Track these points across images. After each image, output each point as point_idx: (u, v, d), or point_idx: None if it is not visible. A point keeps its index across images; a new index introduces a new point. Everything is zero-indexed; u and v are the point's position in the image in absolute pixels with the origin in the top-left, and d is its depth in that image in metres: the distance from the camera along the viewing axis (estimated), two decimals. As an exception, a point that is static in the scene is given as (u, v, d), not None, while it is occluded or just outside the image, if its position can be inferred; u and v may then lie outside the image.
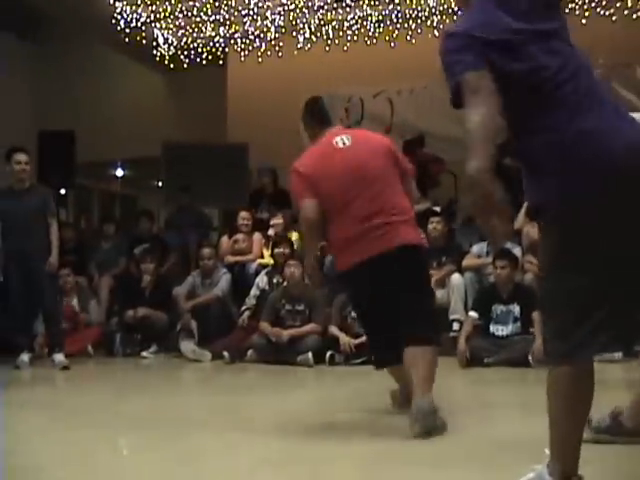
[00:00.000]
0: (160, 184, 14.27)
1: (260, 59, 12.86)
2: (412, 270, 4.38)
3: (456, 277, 7.97)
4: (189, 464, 3.50)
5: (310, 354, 7.29)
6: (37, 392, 6.50)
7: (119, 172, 17.56)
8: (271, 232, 9.32)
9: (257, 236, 9.34)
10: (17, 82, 13.97)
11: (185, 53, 12.99)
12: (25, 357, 7.62)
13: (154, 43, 12.78)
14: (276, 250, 8.48)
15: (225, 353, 7.73)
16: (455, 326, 7.76)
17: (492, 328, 7.19)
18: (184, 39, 12.82)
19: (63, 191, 12.23)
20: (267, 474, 3.33)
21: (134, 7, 11.91)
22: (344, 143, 4.52)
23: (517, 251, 7.82)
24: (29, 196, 7.58)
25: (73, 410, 5.18)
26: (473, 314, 7.32)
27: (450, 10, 11.89)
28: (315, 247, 4.86)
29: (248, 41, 12.92)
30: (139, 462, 3.59)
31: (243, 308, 8.30)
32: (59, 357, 7.45)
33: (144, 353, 8.48)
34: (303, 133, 4.92)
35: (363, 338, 7.37)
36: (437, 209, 9.44)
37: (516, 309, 7.14)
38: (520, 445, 3.51)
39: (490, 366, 6.88)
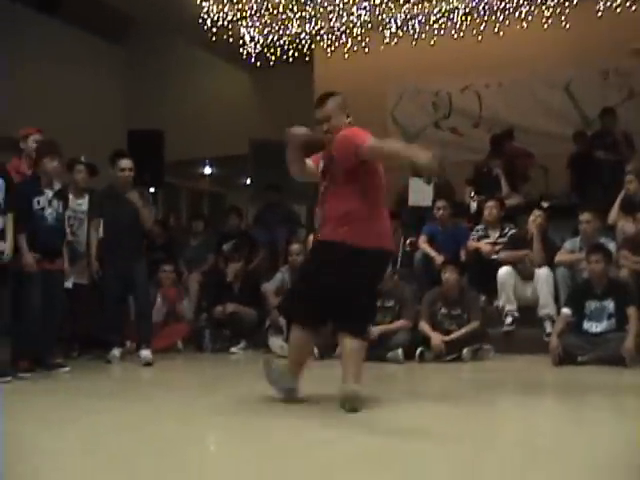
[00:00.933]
0: (248, 181, 14.37)
1: (346, 55, 12.83)
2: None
3: (544, 271, 7.80)
4: (279, 459, 3.48)
5: (400, 350, 7.24)
6: (126, 386, 6.59)
7: (207, 170, 17.74)
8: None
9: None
10: (108, 84, 14.26)
11: (271, 50, 13.04)
12: (116, 352, 7.73)
13: (240, 41, 12.87)
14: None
15: (314, 349, 7.70)
16: (548, 326, 7.59)
17: (585, 325, 7.03)
18: (270, 37, 12.87)
19: (152, 189, 12.39)
20: (357, 469, 3.27)
21: (220, 6, 12.00)
22: None
23: (612, 246, 7.63)
24: (126, 198, 7.72)
25: (161, 404, 5.22)
26: (566, 311, 7.14)
27: (539, 1, 11.69)
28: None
29: (334, 37, 12.90)
30: (228, 456, 3.58)
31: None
32: (145, 352, 7.53)
33: (233, 349, 8.54)
34: (339, 117, 4.95)
35: (453, 335, 7.33)
36: (545, 204, 9.22)
37: (610, 305, 6.96)
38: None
39: (584, 364, 6.71)
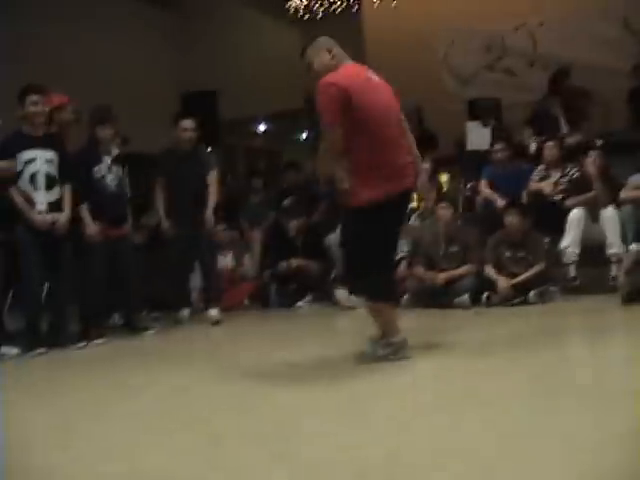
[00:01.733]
0: (304, 136, 14.34)
1: (394, 3, 12.66)
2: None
3: (609, 210, 7.66)
4: (355, 408, 3.52)
5: (467, 296, 7.23)
6: (198, 345, 6.69)
7: (262, 127, 17.74)
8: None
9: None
10: (158, 48, 14.29)
11: (319, 3, 12.94)
12: (185, 312, 7.85)
13: (288, -4, 12.80)
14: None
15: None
16: (614, 268, 7.47)
17: (655, 260, 6.91)
18: (317, -10, 12.78)
19: (209, 149, 12.45)
20: (431, 415, 3.30)
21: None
22: (374, 76, 4.75)
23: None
24: (192, 159, 7.76)
25: (232, 362, 5.29)
26: (635, 246, 7.02)
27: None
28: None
29: (382, -16, 12.74)
30: (298, 413, 3.62)
31: (399, 256, 8.23)
32: (213, 312, 7.62)
33: (299, 303, 8.60)
34: (318, 58, 4.91)
35: (519, 278, 7.28)
36: (599, 142, 9.07)
37: (676, 241, 6.84)
38: None
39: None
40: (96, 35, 12.50)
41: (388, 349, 4.64)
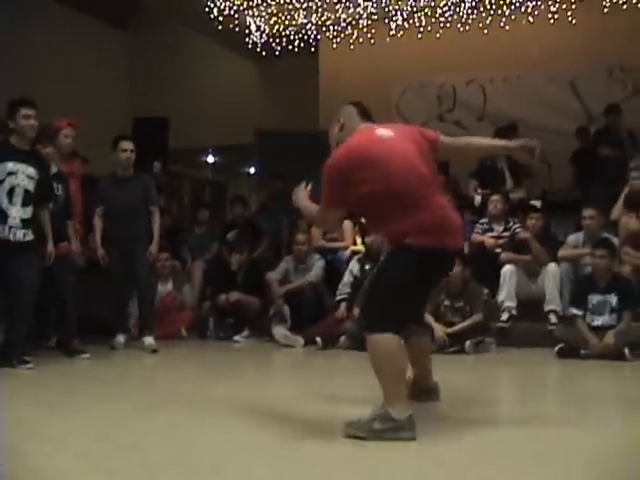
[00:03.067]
0: (251, 171, 14.40)
1: (352, 46, 12.85)
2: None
3: (552, 267, 7.87)
4: (282, 444, 3.53)
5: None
6: (132, 373, 6.63)
7: (210, 158, 17.76)
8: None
9: (347, 224, 9.32)
10: (113, 70, 14.27)
11: (277, 41, 13.07)
12: (121, 338, 7.79)
13: (246, 31, 12.88)
14: (367, 238, 8.49)
15: (318, 339, 7.78)
16: (552, 318, 7.67)
17: (588, 318, 7.09)
18: (276, 27, 12.89)
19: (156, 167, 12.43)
20: (359, 458, 3.32)
21: (227, -5, 12.02)
22: (386, 134, 4.10)
23: (614, 242, 7.69)
24: (133, 184, 7.74)
25: (167, 391, 5.27)
26: (574, 310, 7.18)
27: (546, -4, 11.74)
28: None
29: (340, 28, 12.93)
30: (233, 443, 3.62)
31: (339, 298, 8.30)
32: (149, 340, 7.58)
33: (236, 337, 8.59)
34: (336, 130, 4.43)
35: (457, 327, 7.39)
36: (537, 204, 9.31)
37: (613, 300, 7.03)
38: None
39: (585, 359, 6.79)
40: (49, 51, 12.47)
41: (387, 424, 3.68)
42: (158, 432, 3.87)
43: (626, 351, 6.66)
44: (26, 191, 6.19)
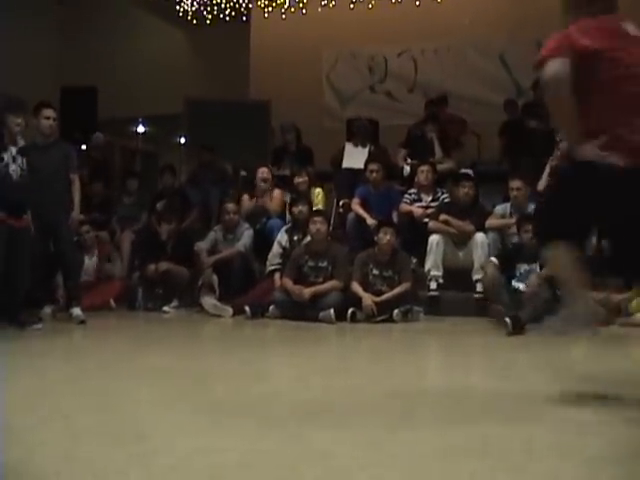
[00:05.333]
0: (182, 141, 14.26)
1: (284, 16, 12.79)
2: None
3: (480, 236, 7.95)
4: (207, 415, 3.52)
5: (332, 311, 7.30)
6: (59, 344, 6.53)
7: (140, 128, 17.54)
8: (302, 188, 9.26)
9: (277, 192, 9.31)
10: (41, 38, 13.96)
11: (208, 9, 12.93)
12: (47, 310, 7.67)
13: (177, -1, 12.74)
14: (294, 208, 8.49)
15: (246, 308, 7.75)
16: (479, 287, 7.76)
17: (514, 284, 7.24)
18: (207, -5, 12.77)
19: (84, 147, 12.24)
20: (275, 430, 3.32)
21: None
22: (634, 30, 3.72)
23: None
24: (53, 151, 7.56)
25: (95, 361, 5.20)
26: (494, 259, 7.37)
27: (479, -30, 11.79)
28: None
29: (272, -3, 12.85)
30: (159, 413, 3.60)
31: (270, 268, 8.32)
32: (76, 311, 7.45)
33: (165, 308, 8.51)
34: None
35: (385, 296, 7.44)
36: (469, 172, 9.39)
37: (538, 268, 7.18)
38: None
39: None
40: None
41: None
42: (84, 401, 3.82)
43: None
44: None
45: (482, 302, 7.55)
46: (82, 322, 7.33)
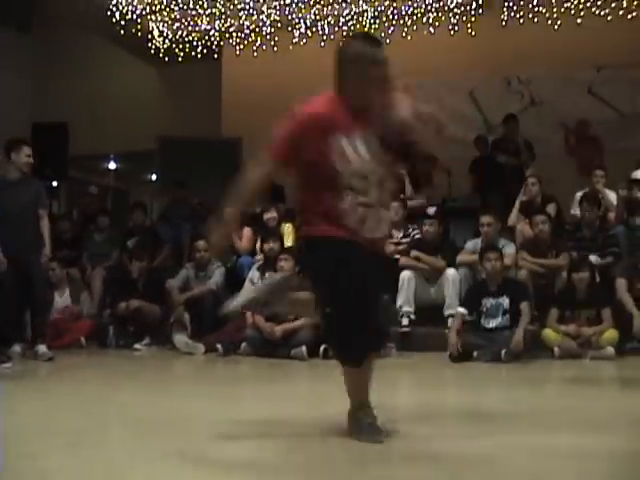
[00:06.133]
0: (153, 177, 14.26)
1: (255, 53, 12.87)
2: None
3: (451, 272, 8.00)
4: (183, 454, 3.50)
5: (304, 348, 7.28)
6: (28, 382, 6.46)
7: (112, 165, 17.52)
8: (272, 224, 9.25)
9: (247, 230, 9.31)
10: (13, 74, 13.93)
11: (180, 46, 12.98)
12: (17, 348, 7.60)
13: (149, 36, 12.76)
14: (265, 245, 8.50)
15: (218, 346, 7.73)
16: (450, 322, 7.79)
17: (483, 321, 7.32)
18: (179, 32, 12.81)
19: (55, 183, 12.20)
20: (261, 465, 3.31)
21: (129, -1, 11.89)
22: None
23: (511, 247, 7.88)
24: (23, 187, 7.52)
25: (66, 400, 5.16)
26: (461, 310, 7.41)
27: (446, 7, 11.94)
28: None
29: (243, 35, 12.92)
30: (131, 452, 3.57)
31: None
32: (42, 348, 7.38)
33: (137, 345, 8.47)
34: None
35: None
36: (431, 211, 9.46)
37: (505, 302, 7.28)
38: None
39: (479, 360, 6.96)
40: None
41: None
42: (52, 440, 3.78)
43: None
44: None
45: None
46: (50, 359, 7.26)
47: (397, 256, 8.43)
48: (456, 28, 12.02)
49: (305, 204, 3.70)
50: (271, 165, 3.70)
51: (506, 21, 11.72)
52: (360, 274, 3.47)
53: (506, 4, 11.77)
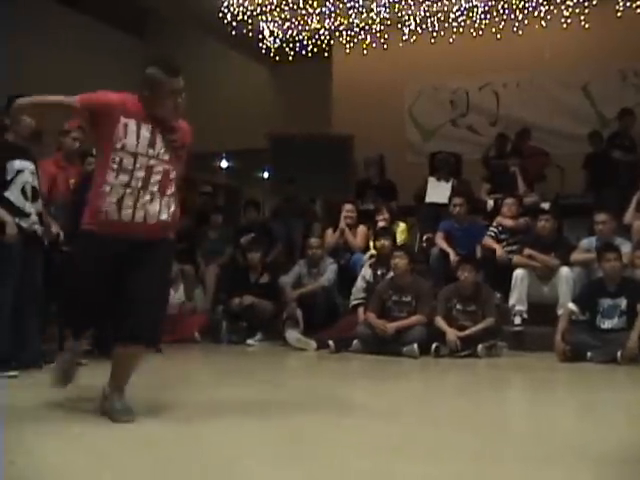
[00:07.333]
0: (265, 175, 14.43)
1: (365, 51, 12.93)
2: None
3: (565, 270, 7.85)
4: (292, 445, 3.55)
5: (415, 345, 7.29)
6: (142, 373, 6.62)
7: (224, 163, 17.81)
8: (382, 224, 9.29)
9: (362, 228, 9.36)
10: (127, 76, 14.27)
11: (291, 45, 13.13)
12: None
13: (260, 36, 12.95)
14: (378, 242, 8.52)
15: (330, 342, 7.79)
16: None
17: (598, 321, 7.11)
18: (290, 32, 12.97)
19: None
20: (364, 462, 3.33)
21: (241, 0, 12.07)
22: None
23: (628, 246, 7.68)
24: None
25: (180, 392, 5.27)
26: (572, 306, 7.23)
27: (558, 0, 11.74)
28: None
29: (353, 33, 13.01)
30: (242, 443, 3.64)
31: (354, 303, 8.32)
32: None
33: (249, 341, 8.62)
34: None
35: (468, 331, 7.40)
36: (545, 206, 9.32)
37: (623, 303, 7.04)
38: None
39: (593, 361, 6.80)
40: (65, 55, 12.58)
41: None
42: (167, 433, 3.89)
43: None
44: (33, 187, 6.06)
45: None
46: (159, 351, 7.38)
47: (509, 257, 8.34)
48: (569, 21, 11.82)
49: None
50: (75, 103, 4.18)
51: (621, 11, 11.46)
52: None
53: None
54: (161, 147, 4.13)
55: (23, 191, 5.99)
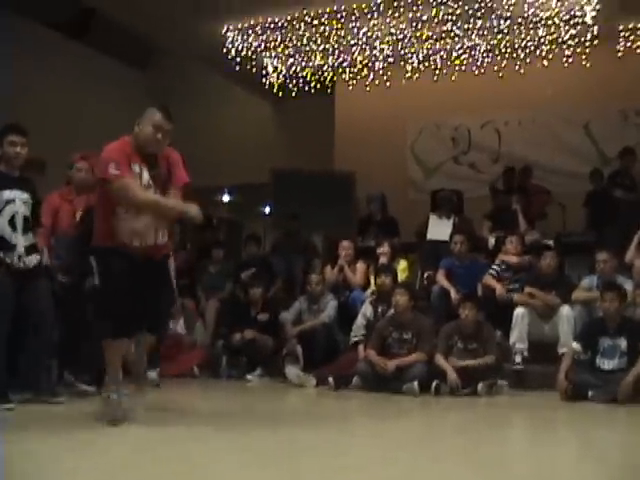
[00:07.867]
0: (266, 210, 14.45)
1: (368, 88, 13.02)
2: None
3: (566, 309, 7.83)
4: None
5: (416, 383, 7.24)
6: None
7: (225, 197, 17.84)
8: (383, 260, 9.29)
9: (360, 265, 9.37)
10: (130, 110, 14.34)
11: (294, 82, 13.21)
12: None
13: (263, 72, 13.03)
14: (379, 279, 8.50)
15: (330, 379, 7.76)
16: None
17: (598, 361, 7.05)
18: (293, 68, 13.04)
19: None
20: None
21: (245, 36, 12.16)
22: None
23: (629, 285, 7.67)
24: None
25: (177, 429, 5.23)
26: (575, 345, 7.18)
27: (560, 40, 11.82)
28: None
29: (356, 70, 13.09)
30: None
31: (354, 340, 8.28)
32: (152, 374, 7.29)
33: (249, 376, 8.59)
34: None
35: (468, 362, 7.39)
36: (550, 243, 9.33)
37: (623, 343, 6.95)
38: None
39: (594, 400, 6.75)
40: (72, 90, 12.66)
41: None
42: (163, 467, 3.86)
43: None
44: (25, 218, 6.03)
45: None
46: (156, 385, 7.38)
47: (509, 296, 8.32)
48: (570, 60, 11.90)
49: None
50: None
51: (622, 51, 11.55)
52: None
53: (622, 34, 11.61)
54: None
55: (11, 222, 5.95)
